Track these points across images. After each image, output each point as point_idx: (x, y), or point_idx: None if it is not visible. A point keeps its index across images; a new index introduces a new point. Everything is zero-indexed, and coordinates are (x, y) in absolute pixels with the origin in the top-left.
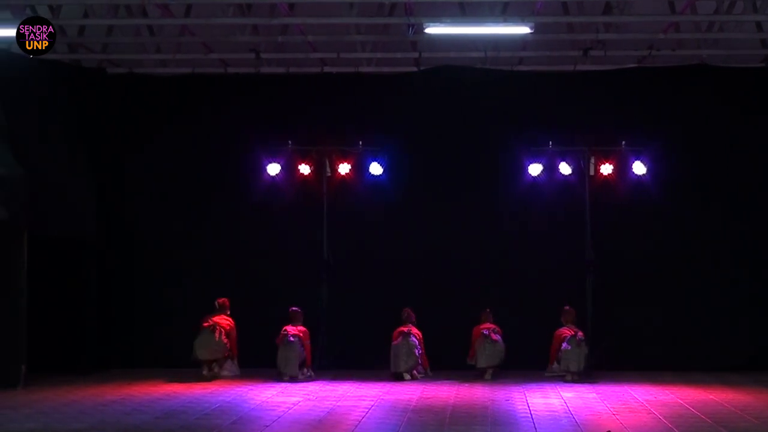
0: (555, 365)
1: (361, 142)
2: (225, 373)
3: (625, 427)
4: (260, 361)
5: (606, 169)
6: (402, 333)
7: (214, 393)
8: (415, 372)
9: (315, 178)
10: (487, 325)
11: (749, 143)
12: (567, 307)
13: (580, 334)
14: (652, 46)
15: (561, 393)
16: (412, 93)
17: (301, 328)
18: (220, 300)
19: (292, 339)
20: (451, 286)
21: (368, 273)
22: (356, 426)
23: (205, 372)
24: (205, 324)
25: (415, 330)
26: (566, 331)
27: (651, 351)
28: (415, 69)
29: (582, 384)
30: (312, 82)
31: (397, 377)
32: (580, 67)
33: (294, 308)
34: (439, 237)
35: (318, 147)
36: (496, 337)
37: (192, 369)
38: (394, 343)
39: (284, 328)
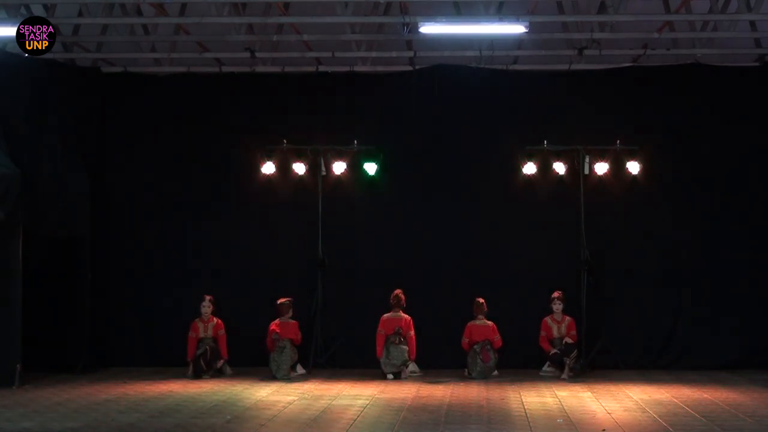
0: (547, 366)
1: (356, 141)
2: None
3: (620, 426)
4: (255, 360)
5: (601, 168)
6: (397, 336)
7: (209, 392)
8: (402, 372)
9: (310, 177)
10: (481, 328)
11: (744, 142)
12: (556, 294)
13: (568, 334)
14: (647, 45)
15: (556, 392)
16: (407, 92)
17: (291, 325)
18: (209, 298)
19: (282, 345)
20: (445, 285)
21: (363, 272)
22: (351, 424)
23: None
24: (191, 342)
25: (404, 323)
26: (552, 328)
27: (646, 350)
28: (410, 68)
29: (577, 383)
30: (307, 81)
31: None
32: (575, 67)
33: (281, 300)
34: (434, 236)
35: (313, 146)
36: (488, 357)
37: (187, 368)
38: (388, 333)
39: (272, 327)
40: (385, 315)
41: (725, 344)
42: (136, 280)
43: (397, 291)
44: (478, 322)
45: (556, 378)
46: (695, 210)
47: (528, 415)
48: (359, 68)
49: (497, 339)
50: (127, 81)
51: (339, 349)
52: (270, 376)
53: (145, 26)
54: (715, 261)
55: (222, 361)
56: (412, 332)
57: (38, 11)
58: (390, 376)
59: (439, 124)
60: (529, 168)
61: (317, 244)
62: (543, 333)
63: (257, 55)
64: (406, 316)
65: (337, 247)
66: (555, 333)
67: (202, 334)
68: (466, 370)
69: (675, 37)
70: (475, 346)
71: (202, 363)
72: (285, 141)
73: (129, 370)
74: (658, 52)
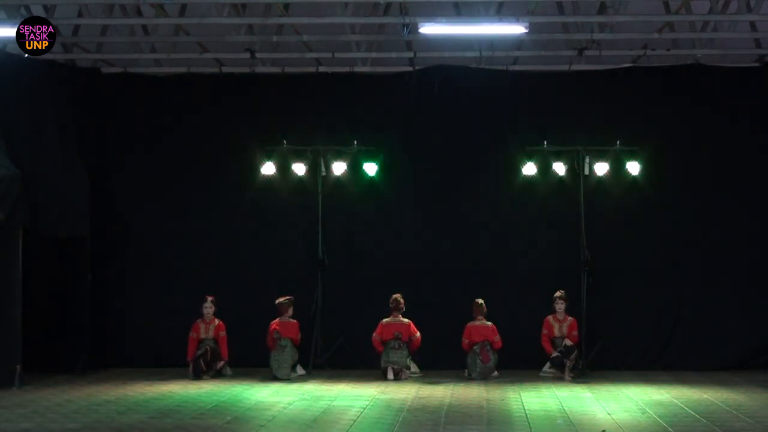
0: (547, 367)
1: (356, 142)
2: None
3: (620, 427)
4: (254, 361)
5: (601, 168)
6: (397, 341)
7: (208, 393)
8: (402, 373)
9: (310, 177)
10: (480, 329)
11: (744, 142)
12: (559, 293)
13: (569, 334)
14: (647, 45)
15: (556, 392)
16: (407, 92)
17: (292, 324)
18: (211, 299)
19: (283, 344)
20: (446, 285)
21: (363, 272)
22: (351, 425)
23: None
24: (192, 343)
25: (404, 328)
26: (554, 327)
27: (646, 350)
28: (410, 69)
29: (577, 383)
30: (307, 81)
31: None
32: (575, 67)
33: (281, 299)
34: (434, 236)
35: (313, 147)
36: (487, 357)
37: (187, 368)
38: (387, 339)
39: (273, 326)
40: (384, 320)
41: (725, 344)
42: (136, 280)
43: (396, 295)
44: (477, 322)
45: (556, 379)
46: (695, 210)
47: (528, 416)
48: (359, 69)
49: (497, 340)
50: (127, 81)
51: (339, 350)
52: (270, 376)
53: (145, 27)
54: (715, 261)
55: (222, 363)
56: (418, 334)
57: (38, 11)
58: (390, 374)
59: (439, 124)
60: (529, 168)
61: (317, 244)
62: (545, 331)
63: (257, 55)
64: (406, 320)
65: (337, 247)
66: (556, 332)
67: (203, 335)
68: (466, 370)
69: (675, 37)
70: (475, 347)
71: (202, 363)
72: (285, 141)
73: (129, 370)
74: (658, 52)
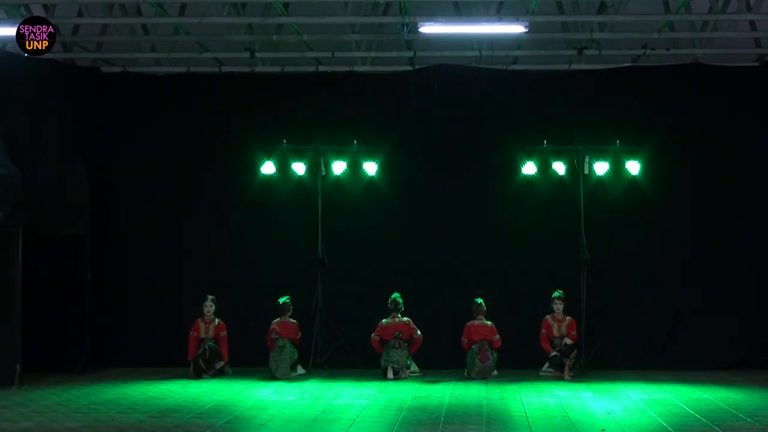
0: (547, 367)
1: (355, 141)
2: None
3: (620, 426)
4: (255, 360)
5: (600, 168)
6: (397, 340)
7: (208, 392)
8: (401, 373)
9: (310, 177)
10: (480, 328)
11: (743, 142)
12: (556, 294)
13: (568, 334)
14: (647, 45)
15: (555, 392)
16: (407, 92)
17: (291, 324)
18: (211, 298)
19: (281, 344)
20: (446, 285)
21: (363, 272)
22: (351, 424)
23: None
24: (192, 342)
25: (404, 327)
26: (552, 327)
27: (645, 350)
28: (409, 68)
29: (577, 383)
30: (307, 81)
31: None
32: (575, 67)
33: (282, 299)
34: (434, 236)
35: (313, 146)
36: (486, 357)
37: (186, 368)
38: (388, 339)
39: (273, 327)
40: (383, 321)
41: (725, 344)
42: (136, 279)
43: (395, 295)
44: (477, 322)
45: (555, 378)
46: (695, 210)
47: (527, 415)
48: (359, 68)
49: (496, 339)
50: (127, 81)
51: (339, 350)
52: (270, 376)
53: (144, 26)
54: (715, 261)
55: (222, 363)
56: (419, 332)
57: (38, 11)
58: (390, 374)
59: (439, 124)
60: (529, 167)
61: (317, 244)
62: (544, 331)
63: (257, 55)
64: (405, 319)
65: (337, 247)
66: (555, 332)
67: (203, 335)
68: (465, 370)
69: (675, 37)
70: (474, 346)
71: (202, 363)
72: (284, 141)
73: (129, 370)
74: (658, 52)
